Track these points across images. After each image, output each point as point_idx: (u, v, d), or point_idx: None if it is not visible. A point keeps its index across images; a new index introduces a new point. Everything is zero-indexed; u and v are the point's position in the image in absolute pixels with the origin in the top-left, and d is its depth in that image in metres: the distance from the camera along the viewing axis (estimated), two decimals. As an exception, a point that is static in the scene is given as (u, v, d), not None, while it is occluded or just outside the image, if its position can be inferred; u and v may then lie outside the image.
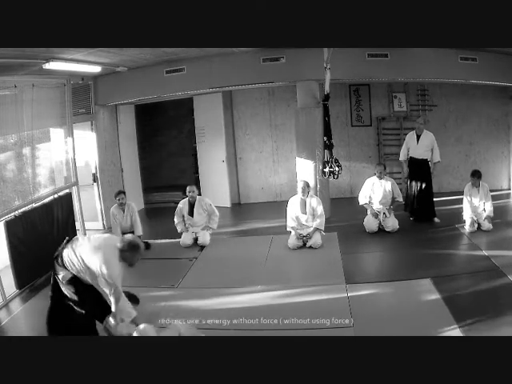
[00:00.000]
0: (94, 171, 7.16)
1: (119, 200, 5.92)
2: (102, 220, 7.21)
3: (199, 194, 6.41)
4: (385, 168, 6.29)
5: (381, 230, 6.02)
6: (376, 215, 6.01)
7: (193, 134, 8.52)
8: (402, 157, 6.55)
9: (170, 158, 9.53)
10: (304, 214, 5.70)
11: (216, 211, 6.08)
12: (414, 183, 6.40)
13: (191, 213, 6.01)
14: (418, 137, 6.35)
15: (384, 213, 6.02)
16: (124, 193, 6.12)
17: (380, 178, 6.08)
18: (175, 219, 6.07)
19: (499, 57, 6.52)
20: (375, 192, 6.09)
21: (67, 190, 6.12)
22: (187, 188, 6.03)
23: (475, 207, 5.86)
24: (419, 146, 6.32)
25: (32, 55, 4.72)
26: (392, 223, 5.99)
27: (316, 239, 5.57)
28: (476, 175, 5.85)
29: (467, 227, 5.77)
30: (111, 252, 3.27)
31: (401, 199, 6.20)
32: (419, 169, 6.33)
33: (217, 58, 6.57)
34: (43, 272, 5.20)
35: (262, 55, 6.49)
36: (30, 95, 5.30)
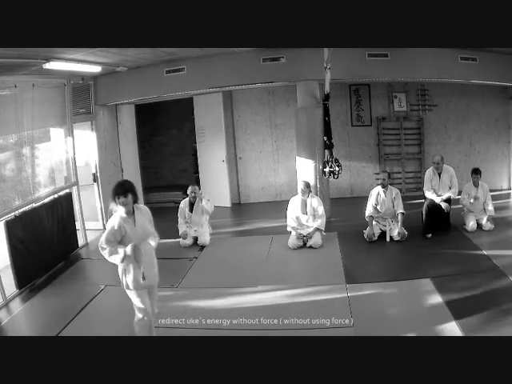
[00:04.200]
0: (94, 171, 7.14)
1: None
2: (102, 220, 7.20)
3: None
4: (389, 176, 5.94)
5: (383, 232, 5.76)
6: (371, 237, 5.65)
7: (193, 133, 8.51)
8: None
9: (170, 157, 9.52)
10: (305, 214, 5.70)
11: (209, 210, 6.03)
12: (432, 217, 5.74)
13: (191, 210, 6.06)
14: (439, 174, 5.89)
15: (389, 225, 5.69)
16: None
17: (383, 186, 5.71)
18: (179, 220, 6.10)
19: (499, 57, 6.51)
20: (379, 203, 5.71)
21: (67, 190, 6.12)
22: (189, 188, 6.06)
23: (475, 206, 5.85)
24: (442, 183, 5.84)
25: (32, 55, 4.71)
26: (399, 231, 5.58)
27: (316, 239, 5.57)
28: (477, 173, 5.86)
29: (467, 227, 5.77)
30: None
31: (400, 210, 5.65)
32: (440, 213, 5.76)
33: (217, 57, 6.56)
34: (43, 272, 5.21)
35: (262, 55, 6.48)
36: (30, 95, 5.30)
